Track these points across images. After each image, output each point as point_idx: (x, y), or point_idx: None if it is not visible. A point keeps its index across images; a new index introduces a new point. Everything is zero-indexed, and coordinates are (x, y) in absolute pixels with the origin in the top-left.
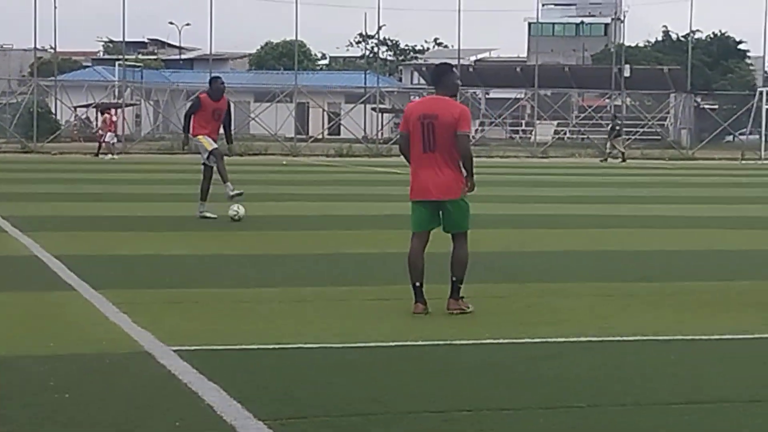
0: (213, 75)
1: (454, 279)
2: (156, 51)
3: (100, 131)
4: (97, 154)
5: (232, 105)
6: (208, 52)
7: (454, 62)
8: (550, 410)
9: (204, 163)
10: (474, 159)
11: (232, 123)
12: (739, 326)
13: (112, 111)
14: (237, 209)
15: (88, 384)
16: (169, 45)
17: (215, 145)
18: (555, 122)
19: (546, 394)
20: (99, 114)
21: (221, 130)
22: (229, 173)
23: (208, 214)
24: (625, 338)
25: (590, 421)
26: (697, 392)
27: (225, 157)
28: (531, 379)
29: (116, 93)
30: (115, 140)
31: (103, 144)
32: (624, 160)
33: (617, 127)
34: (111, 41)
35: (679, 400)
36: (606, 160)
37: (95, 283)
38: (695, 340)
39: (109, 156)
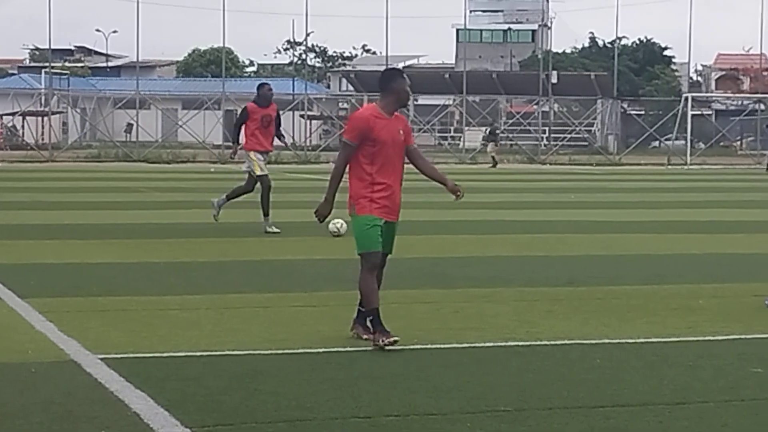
0: (260, 82)
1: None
2: (83, 58)
3: None
4: None
5: (280, 112)
6: (135, 60)
7: (382, 68)
8: (477, 415)
9: (258, 176)
10: (338, 171)
11: (281, 127)
12: (664, 330)
13: None
14: (339, 226)
15: (13, 393)
16: (96, 52)
17: (265, 172)
18: (484, 128)
19: (473, 398)
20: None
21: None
22: (159, 180)
23: (272, 229)
24: (551, 342)
25: (516, 425)
26: (621, 395)
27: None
28: (458, 384)
29: (42, 101)
30: None
31: None
32: (494, 166)
33: (497, 131)
34: (37, 49)
35: (605, 403)
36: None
37: (21, 291)
38: (620, 344)
39: None
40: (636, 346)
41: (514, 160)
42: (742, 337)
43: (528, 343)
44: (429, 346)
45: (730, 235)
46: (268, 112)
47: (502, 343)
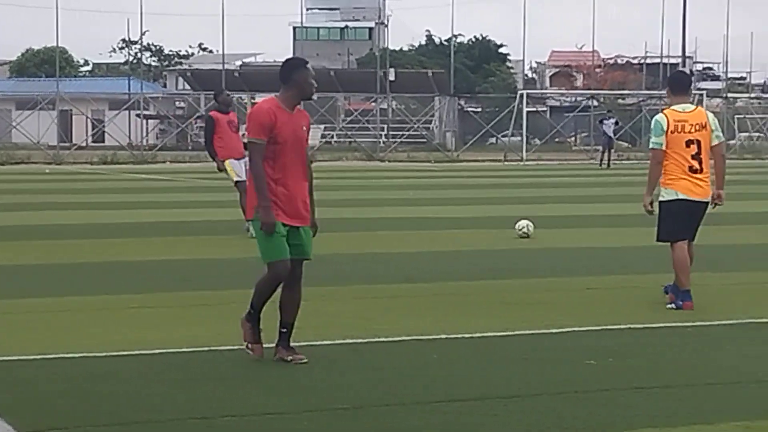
0: (218, 89)
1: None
2: None
3: None
4: None
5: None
6: None
7: (219, 67)
8: (315, 413)
9: (236, 182)
10: (260, 173)
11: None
12: (500, 324)
13: None
14: (526, 227)
15: None
16: None
17: (241, 177)
18: (322, 126)
19: (311, 397)
20: None
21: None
22: None
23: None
24: (389, 339)
25: (354, 422)
26: (459, 390)
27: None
28: (296, 383)
29: None
30: None
31: None
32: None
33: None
34: None
35: (441, 398)
36: None
37: None
38: (457, 339)
39: None
40: (473, 340)
41: (353, 157)
42: (575, 329)
43: (367, 340)
44: (267, 345)
45: (564, 230)
46: (230, 118)
47: (341, 341)
